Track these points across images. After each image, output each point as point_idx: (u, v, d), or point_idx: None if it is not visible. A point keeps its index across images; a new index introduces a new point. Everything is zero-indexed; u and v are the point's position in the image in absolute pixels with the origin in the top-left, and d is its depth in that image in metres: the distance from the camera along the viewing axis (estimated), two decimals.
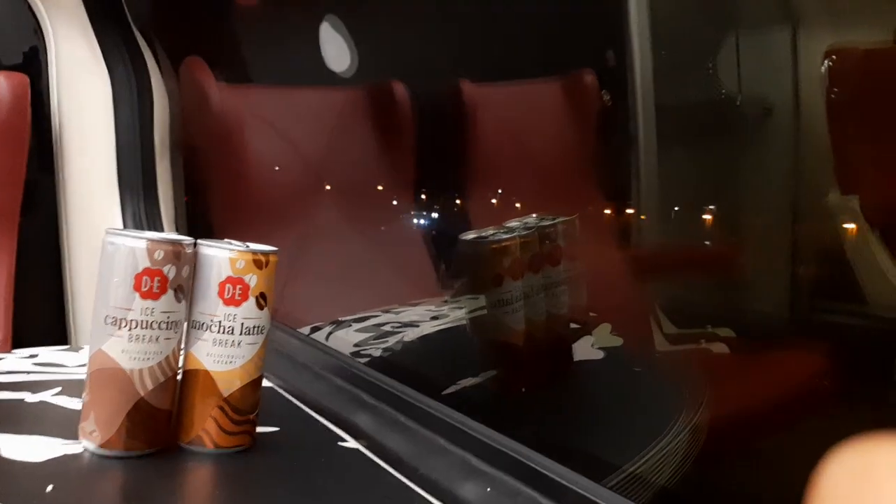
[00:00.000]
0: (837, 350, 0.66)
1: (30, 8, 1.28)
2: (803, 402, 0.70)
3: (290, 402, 0.80)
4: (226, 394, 0.63)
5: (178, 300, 0.62)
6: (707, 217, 0.84)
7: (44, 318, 1.29)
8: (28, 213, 1.23)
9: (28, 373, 0.81)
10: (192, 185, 1.34)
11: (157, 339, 0.61)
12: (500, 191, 1.06)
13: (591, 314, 0.82)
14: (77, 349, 0.94)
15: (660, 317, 0.81)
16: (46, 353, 0.90)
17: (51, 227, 1.29)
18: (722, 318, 0.75)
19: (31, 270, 1.23)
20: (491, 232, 0.75)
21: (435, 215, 1.11)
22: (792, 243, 0.76)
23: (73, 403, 0.71)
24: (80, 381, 0.63)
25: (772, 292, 0.76)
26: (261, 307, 0.64)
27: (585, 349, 0.78)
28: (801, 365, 0.73)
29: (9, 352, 0.92)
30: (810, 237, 0.75)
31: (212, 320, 0.63)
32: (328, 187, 1.29)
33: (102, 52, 1.26)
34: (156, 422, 0.62)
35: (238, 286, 0.63)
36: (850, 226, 0.70)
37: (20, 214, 1.21)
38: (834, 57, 0.70)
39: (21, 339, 1.16)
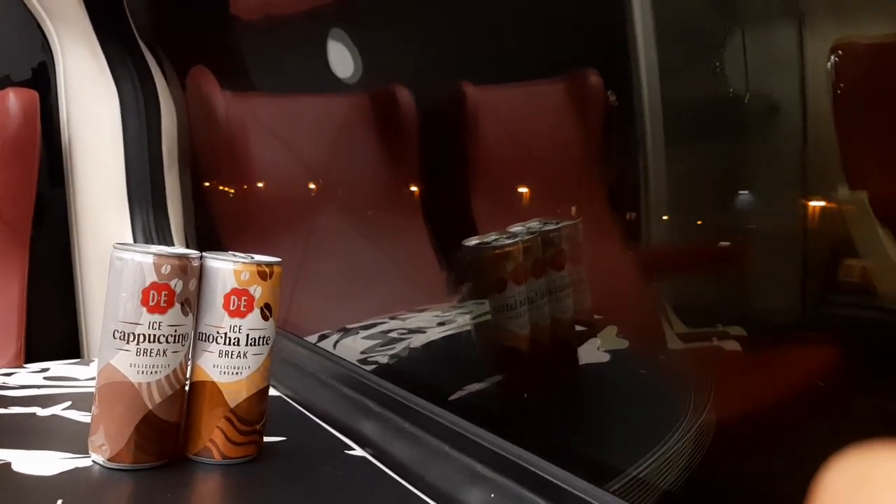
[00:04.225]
0: (850, 347, 0.65)
1: (37, 24, 1.30)
2: (816, 400, 0.69)
3: (298, 410, 0.80)
4: (232, 405, 0.64)
5: (185, 313, 0.63)
6: (714, 216, 0.83)
7: (56, 331, 1.30)
8: (39, 227, 1.24)
9: (39, 387, 0.82)
10: (201, 194, 1.34)
11: (164, 353, 0.62)
12: (505, 194, 1.06)
13: (597, 317, 0.82)
14: (88, 362, 0.95)
15: (670, 316, 0.80)
16: (57, 366, 0.91)
17: (62, 241, 1.30)
18: (732, 316, 0.74)
19: (44, 284, 1.24)
20: (493, 237, 0.75)
21: (440, 220, 1.11)
22: (801, 240, 0.75)
23: (84, 417, 0.72)
24: (91, 395, 0.63)
25: (782, 290, 0.76)
26: (266, 318, 0.65)
27: (591, 352, 0.77)
28: (814, 363, 0.72)
29: (22, 365, 0.93)
30: (819, 234, 0.74)
31: (218, 332, 0.64)
32: (334, 193, 1.30)
33: (109, 65, 1.28)
34: (164, 434, 0.63)
35: (243, 298, 0.64)
36: (860, 222, 0.69)
37: (31, 228, 1.22)
38: (840, 52, 0.70)
39: (34, 352, 1.17)
